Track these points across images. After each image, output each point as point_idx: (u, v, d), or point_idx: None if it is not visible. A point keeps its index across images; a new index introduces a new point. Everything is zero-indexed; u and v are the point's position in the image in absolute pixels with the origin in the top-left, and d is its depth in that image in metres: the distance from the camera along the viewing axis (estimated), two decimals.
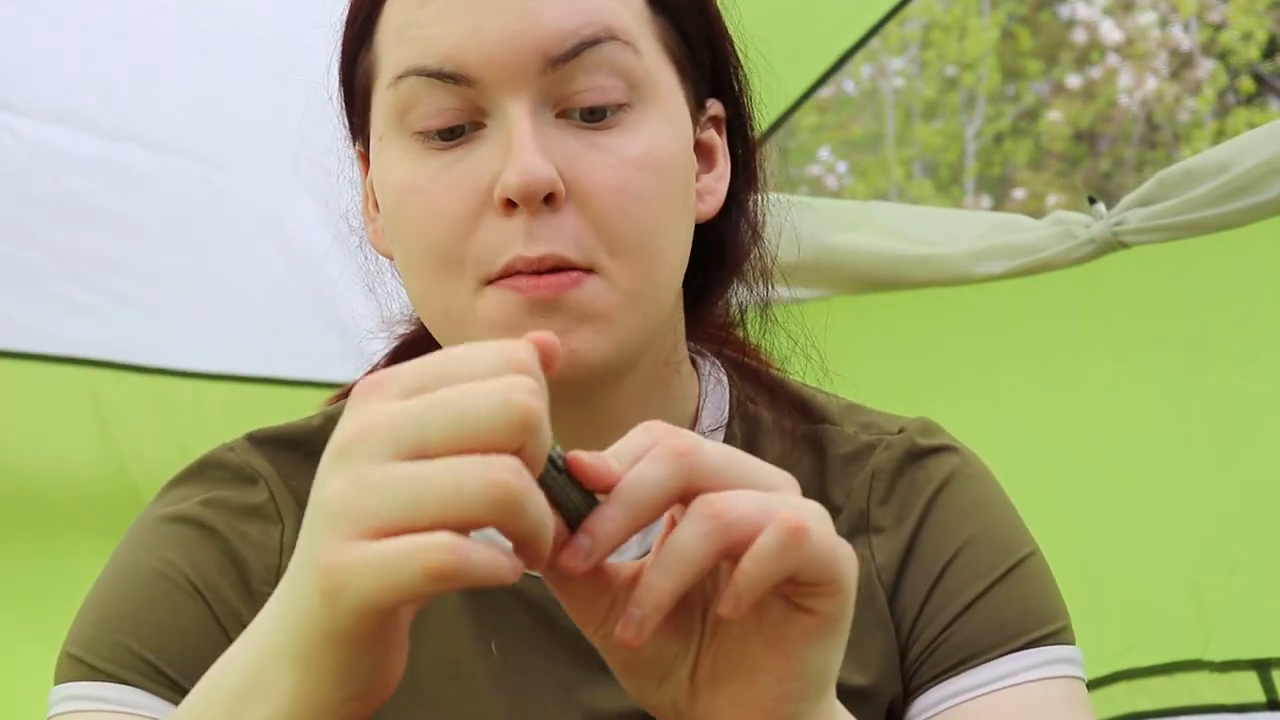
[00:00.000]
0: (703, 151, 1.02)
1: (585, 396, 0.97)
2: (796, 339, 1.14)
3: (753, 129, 1.07)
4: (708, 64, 1.02)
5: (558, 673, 1.00)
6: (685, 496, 0.68)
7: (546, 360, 0.67)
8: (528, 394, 0.63)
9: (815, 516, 0.68)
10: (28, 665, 1.68)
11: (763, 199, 1.08)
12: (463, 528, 0.62)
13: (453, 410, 0.63)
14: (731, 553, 0.67)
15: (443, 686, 1.00)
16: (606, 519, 0.68)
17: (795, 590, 0.69)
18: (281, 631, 0.70)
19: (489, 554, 0.62)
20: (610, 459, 0.69)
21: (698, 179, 1.01)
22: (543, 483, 0.66)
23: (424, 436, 0.63)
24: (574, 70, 0.92)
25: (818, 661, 0.71)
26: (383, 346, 1.12)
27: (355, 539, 0.63)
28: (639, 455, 0.69)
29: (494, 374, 0.64)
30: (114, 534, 1.06)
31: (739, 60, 1.06)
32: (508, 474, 0.62)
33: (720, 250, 1.06)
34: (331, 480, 0.65)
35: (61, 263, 2.05)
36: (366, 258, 1.10)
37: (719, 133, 1.04)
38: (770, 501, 0.68)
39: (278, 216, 2.18)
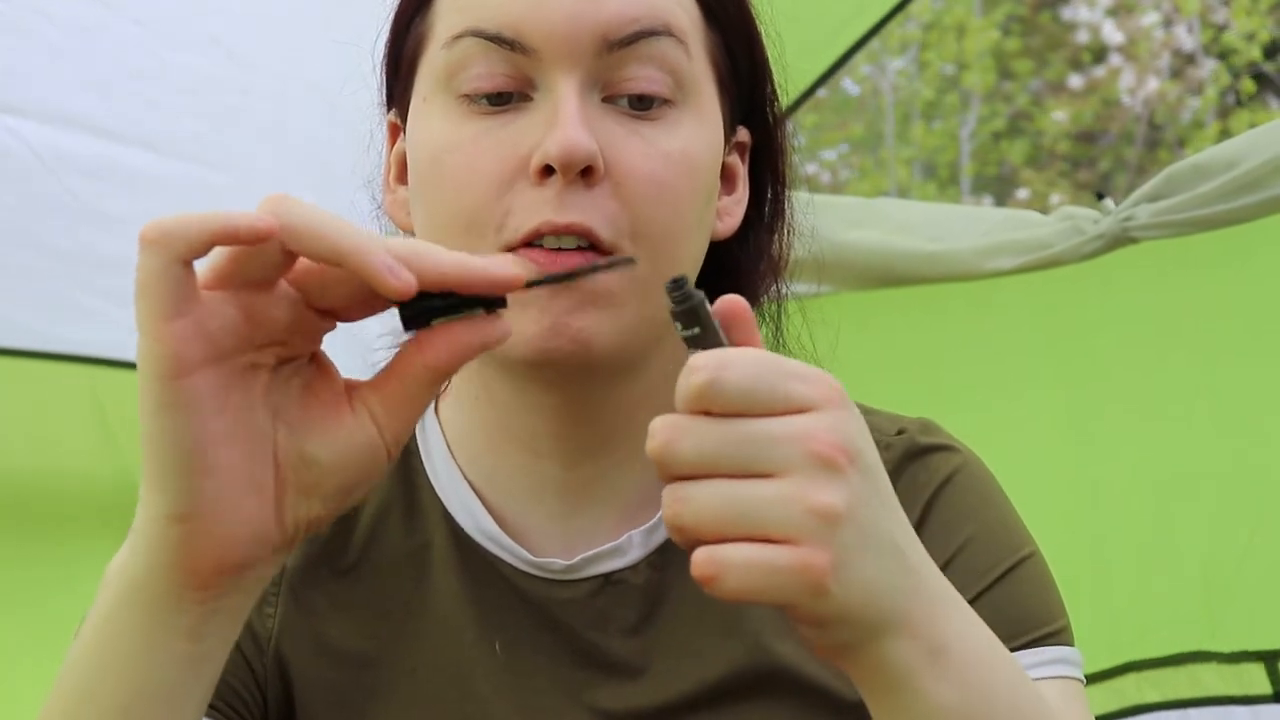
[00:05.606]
0: (725, 174, 1.03)
1: (589, 385, 0.97)
2: (805, 342, 1.14)
3: (785, 164, 1.08)
4: (746, 87, 1.03)
5: (561, 673, 1.00)
6: None
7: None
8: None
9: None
10: (28, 665, 1.67)
11: (788, 235, 1.09)
12: None
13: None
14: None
15: (444, 686, 1.00)
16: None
17: None
18: None
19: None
20: None
21: (718, 198, 1.02)
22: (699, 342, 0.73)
23: None
24: (628, 57, 0.94)
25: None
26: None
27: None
28: None
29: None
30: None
31: (776, 93, 1.07)
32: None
33: (735, 277, 1.06)
34: None
35: (67, 267, 2.04)
36: None
37: (742, 159, 1.06)
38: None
39: None
